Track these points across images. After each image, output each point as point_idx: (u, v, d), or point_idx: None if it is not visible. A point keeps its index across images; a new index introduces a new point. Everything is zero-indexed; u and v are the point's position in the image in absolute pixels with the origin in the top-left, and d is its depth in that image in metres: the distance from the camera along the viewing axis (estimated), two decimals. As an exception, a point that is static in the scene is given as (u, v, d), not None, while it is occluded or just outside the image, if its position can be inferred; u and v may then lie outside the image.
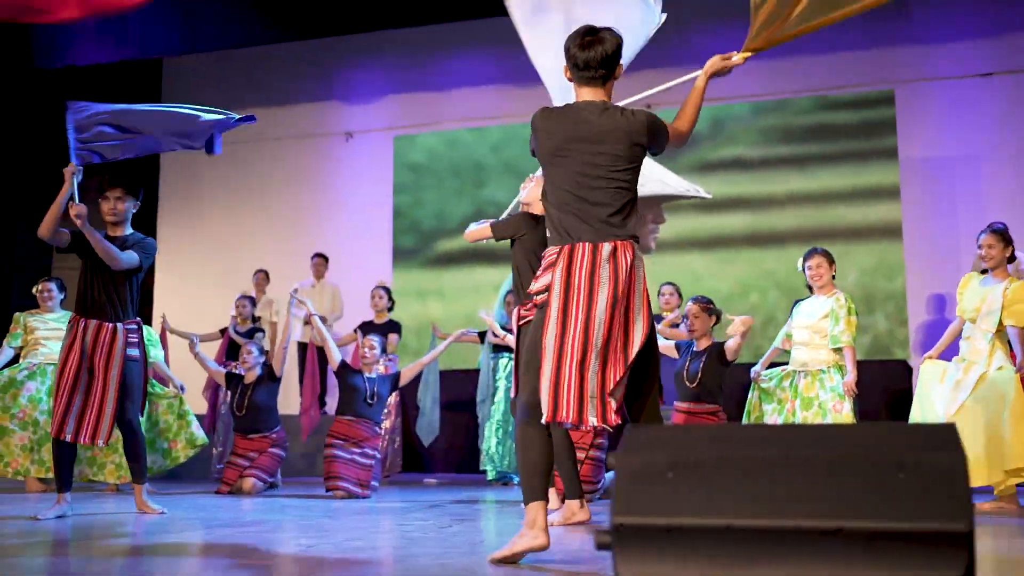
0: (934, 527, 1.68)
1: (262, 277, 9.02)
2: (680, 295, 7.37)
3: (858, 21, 7.46)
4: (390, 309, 8.01)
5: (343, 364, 6.30)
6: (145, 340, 7.12)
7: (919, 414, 5.45)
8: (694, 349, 5.69)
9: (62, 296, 7.34)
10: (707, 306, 5.71)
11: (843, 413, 5.22)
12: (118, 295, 4.83)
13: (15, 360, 7.01)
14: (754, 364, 5.86)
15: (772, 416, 5.57)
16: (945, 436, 1.82)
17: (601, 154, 3.12)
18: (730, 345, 5.49)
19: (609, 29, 3.21)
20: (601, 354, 3.01)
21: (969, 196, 8.52)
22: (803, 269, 5.65)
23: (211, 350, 8.09)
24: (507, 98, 10.11)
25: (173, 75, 11.44)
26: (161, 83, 11.46)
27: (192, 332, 9.20)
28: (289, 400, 8.21)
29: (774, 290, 8.69)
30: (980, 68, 8.70)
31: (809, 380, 5.43)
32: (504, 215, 5.09)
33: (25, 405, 6.85)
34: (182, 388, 7.14)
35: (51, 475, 6.87)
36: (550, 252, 3.17)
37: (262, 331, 8.02)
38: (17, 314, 7.19)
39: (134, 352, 4.85)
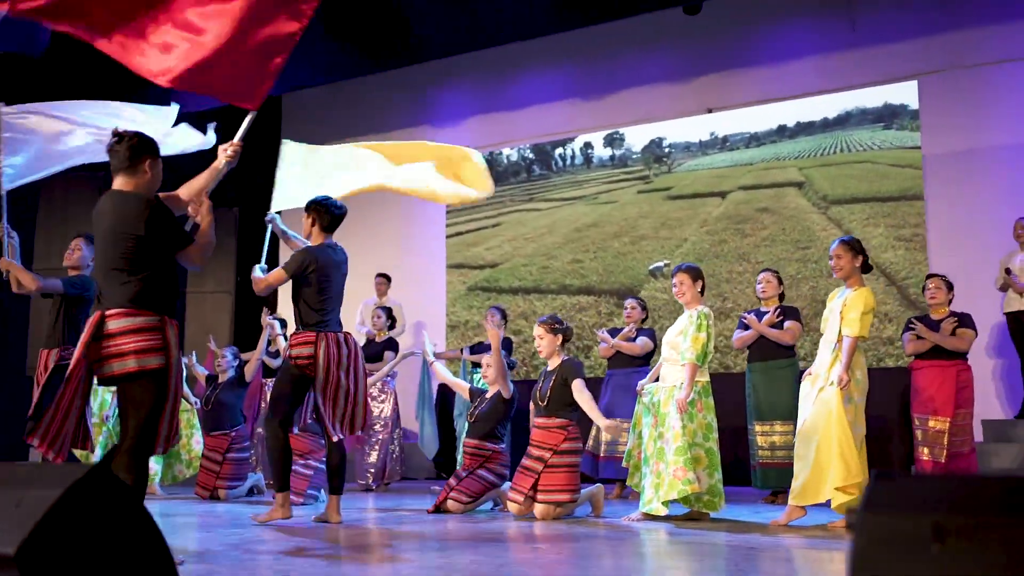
0: (-11, 551, 2.07)
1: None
2: (644, 308, 7.45)
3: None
4: (390, 327, 8.59)
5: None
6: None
7: (801, 429, 5.37)
8: (547, 370, 5.86)
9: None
10: (553, 326, 5.85)
11: (674, 430, 5.24)
12: None
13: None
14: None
15: (647, 429, 5.65)
16: (62, 475, 2.19)
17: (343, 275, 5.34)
18: (582, 400, 5.67)
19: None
20: (349, 395, 5.14)
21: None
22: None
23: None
24: (578, 111, 10.46)
25: (292, 110, 12.54)
26: (280, 119, 12.60)
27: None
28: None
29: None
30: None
31: (664, 396, 5.48)
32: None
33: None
34: (196, 403, 8.12)
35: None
36: (308, 334, 5.13)
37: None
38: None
39: None
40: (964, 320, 6.17)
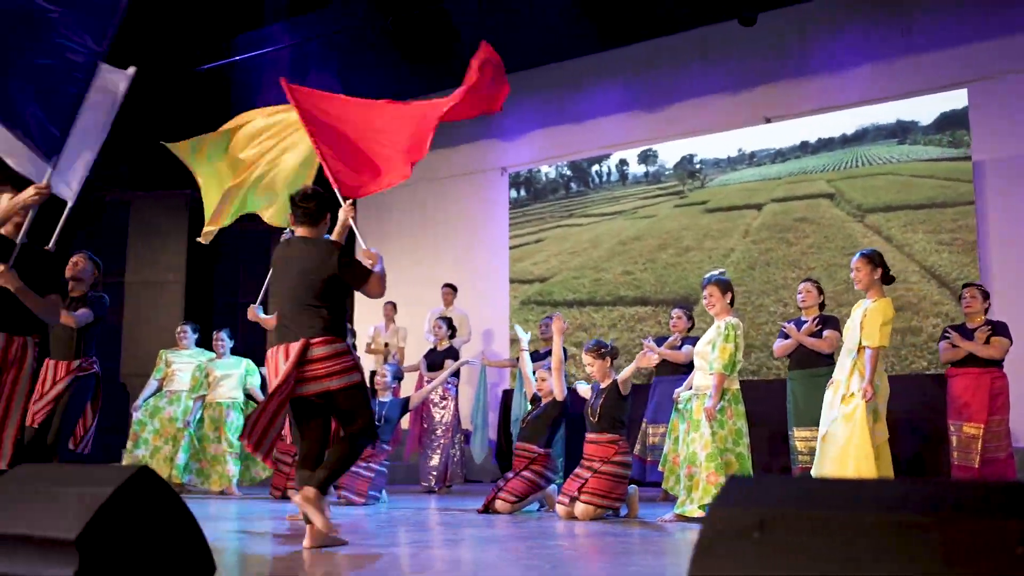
0: (50, 534, 2.52)
1: (390, 308, 10.35)
2: (690, 318, 7.72)
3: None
4: (451, 337, 9.02)
5: (361, 389, 7.42)
6: (245, 370, 8.76)
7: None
8: (599, 388, 6.21)
9: (196, 336, 9.13)
10: (599, 351, 6.18)
11: (704, 438, 5.51)
12: None
13: (159, 389, 8.85)
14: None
15: (682, 435, 5.93)
16: (114, 475, 2.63)
17: None
18: (618, 378, 5.98)
19: None
20: None
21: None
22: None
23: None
24: (636, 123, 10.78)
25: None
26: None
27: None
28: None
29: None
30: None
31: (697, 404, 5.75)
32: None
33: (168, 425, 8.68)
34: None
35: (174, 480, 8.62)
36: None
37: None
38: (161, 351, 9.05)
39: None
40: (998, 328, 6.30)
